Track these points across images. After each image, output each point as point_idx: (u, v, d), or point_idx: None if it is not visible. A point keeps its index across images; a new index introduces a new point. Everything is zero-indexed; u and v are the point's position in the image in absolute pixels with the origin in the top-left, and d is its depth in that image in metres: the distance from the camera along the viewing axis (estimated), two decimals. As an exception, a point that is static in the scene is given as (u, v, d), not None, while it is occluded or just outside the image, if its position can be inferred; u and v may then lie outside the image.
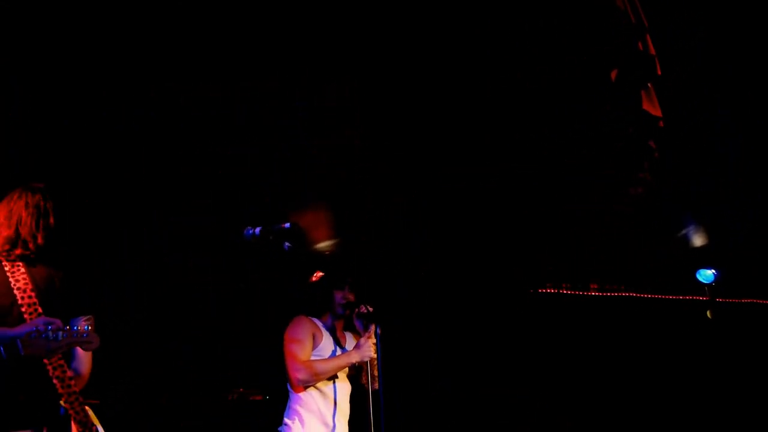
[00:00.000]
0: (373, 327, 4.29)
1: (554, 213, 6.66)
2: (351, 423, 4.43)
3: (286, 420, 4.30)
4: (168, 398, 5.58)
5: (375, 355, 4.14)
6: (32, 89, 4.98)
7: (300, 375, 4.19)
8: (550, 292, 7.25)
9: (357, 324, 4.45)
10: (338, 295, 4.46)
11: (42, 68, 4.92)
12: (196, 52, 5.09)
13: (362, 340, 4.23)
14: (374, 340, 4.16)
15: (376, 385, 4.14)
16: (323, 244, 5.54)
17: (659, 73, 4.26)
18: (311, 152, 5.91)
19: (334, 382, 4.34)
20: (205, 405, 5.64)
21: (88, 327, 3.22)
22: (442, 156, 6.10)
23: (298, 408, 4.28)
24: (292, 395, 4.34)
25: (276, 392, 5.32)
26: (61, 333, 3.14)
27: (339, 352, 4.38)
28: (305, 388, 4.25)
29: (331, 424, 4.28)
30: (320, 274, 4.51)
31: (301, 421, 4.23)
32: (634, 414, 6.88)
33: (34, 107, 5.02)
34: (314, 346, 4.32)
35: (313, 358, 4.28)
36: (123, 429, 4.02)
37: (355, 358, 4.21)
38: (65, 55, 4.93)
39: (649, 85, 4.31)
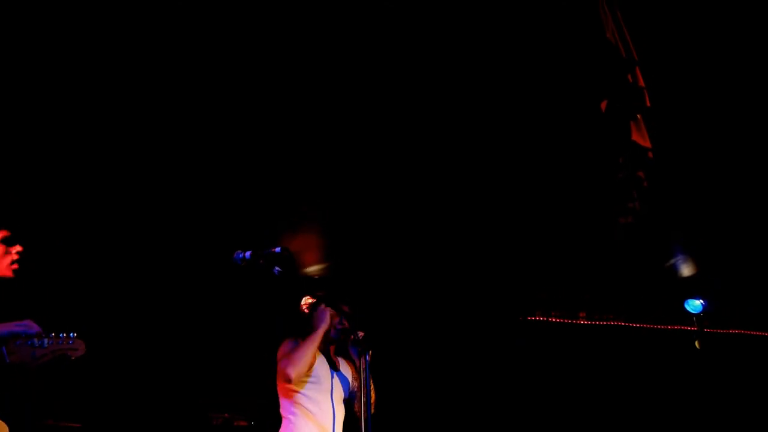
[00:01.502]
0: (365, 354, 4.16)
1: (545, 242, 6.65)
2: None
3: None
4: (153, 422, 5.51)
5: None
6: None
7: (289, 369, 4.09)
8: (540, 319, 7.27)
9: (352, 351, 4.42)
10: (334, 321, 4.39)
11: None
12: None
13: (321, 309, 4.24)
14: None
15: (366, 413, 4.01)
16: (313, 268, 5.52)
17: (648, 104, 4.29)
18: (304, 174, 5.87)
19: (332, 408, 4.26)
20: (190, 429, 5.58)
21: (73, 334, 3.20)
22: (433, 180, 6.08)
23: None
24: (286, 423, 4.23)
25: (262, 418, 5.32)
26: (46, 340, 3.12)
27: (335, 375, 4.31)
28: (297, 411, 4.15)
29: None
30: (310, 300, 4.47)
31: None
32: None
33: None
34: (310, 370, 4.23)
35: (310, 383, 4.20)
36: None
37: (319, 328, 4.19)
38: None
39: (638, 116, 4.34)
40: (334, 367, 4.37)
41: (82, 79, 4.76)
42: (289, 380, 4.11)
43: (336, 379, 4.32)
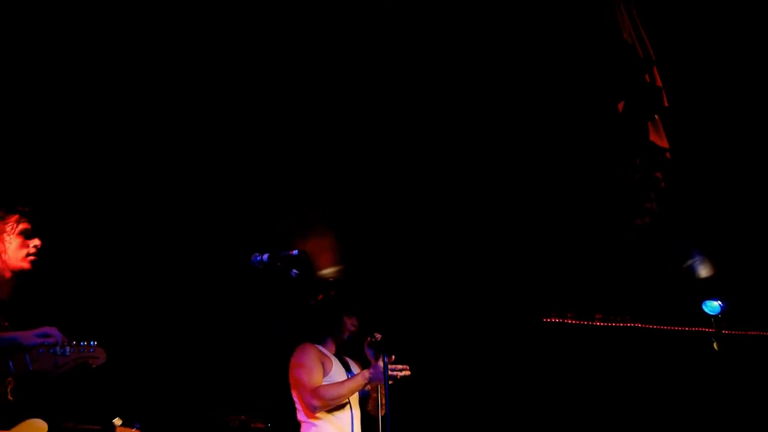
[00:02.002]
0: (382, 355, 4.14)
1: (560, 243, 6.64)
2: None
3: None
4: (170, 424, 5.46)
5: (390, 380, 3.98)
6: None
7: (315, 401, 4.09)
8: (555, 321, 7.24)
9: (368, 352, 4.39)
10: (348, 322, 4.44)
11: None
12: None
13: (378, 363, 4.11)
14: (393, 366, 4.09)
15: (383, 412, 4.13)
16: (329, 270, 5.53)
17: (666, 104, 4.27)
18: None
19: (350, 410, 4.27)
20: (207, 431, 5.55)
21: (94, 342, 3.27)
22: (448, 181, 6.10)
23: None
24: (305, 424, 4.23)
25: (278, 421, 5.28)
26: (68, 348, 3.19)
27: (349, 377, 4.31)
28: (318, 416, 4.15)
29: None
30: (321, 298, 4.48)
31: None
32: None
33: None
34: (324, 373, 4.22)
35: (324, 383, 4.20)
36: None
37: (365, 379, 4.13)
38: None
39: (656, 116, 4.32)
40: (347, 368, 4.38)
41: (98, 79, 4.79)
42: (313, 410, 4.12)
43: (349, 377, 4.33)
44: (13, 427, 3.33)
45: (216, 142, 5.51)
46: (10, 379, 3.27)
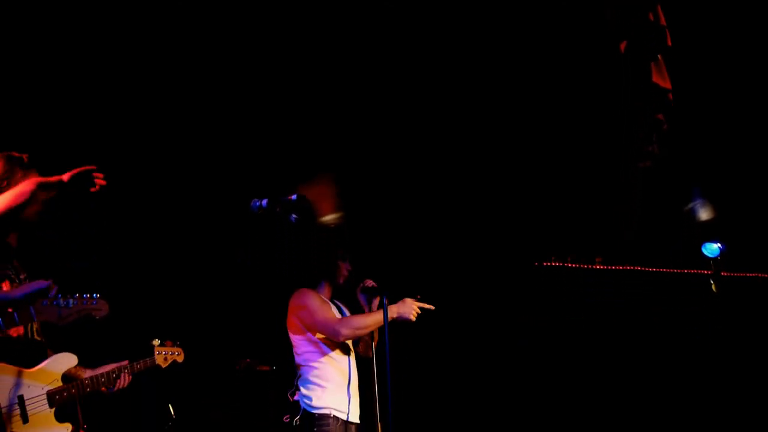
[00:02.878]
0: (377, 300, 4.43)
1: (560, 184, 6.64)
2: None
3: (303, 391, 4.30)
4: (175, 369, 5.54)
5: (415, 316, 4.20)
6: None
7: (343, 330, 4.19)
8: (555, 265, 7.22)
9: (361, 298, 4.51)
10: (342, 266, 4.53)
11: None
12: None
13: (406, 299, 4.25)
14: (415, 303, 4.23)
15: (371, 353, 4.29)
16: (329, 217, 5.51)
17: (669, 44, 4.19)
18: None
19: (348, 352, 4.40)
20: (212, 374, 5.70)
21: (96, 294, 3.37)
22: (448, 123, 6.12)
23: (315, 379, 4.29)
24: (306, 367, 4.34)
25: (283, 364, 5.31)
26: (71, 300, 3.30)
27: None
28: (319, 359, 4.27)
29: (347, 393, 4.34)
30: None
31: (322, 390, 4.26)
32: (637, 393, 6.88)
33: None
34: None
35: None
36: (125, 397, 4.14)
37: (394, 313, 4.19)
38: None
39: (659, 56, 4.24)
40: (339, 311, 4.50)
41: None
42: (338, 337, 4.22)
43: None
44: (41, 362, 3.56)
45: (213, 85, 5.56)
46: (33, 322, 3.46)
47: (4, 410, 3.32)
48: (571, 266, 7.25)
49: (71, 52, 5.09)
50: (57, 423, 3.55)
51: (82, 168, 3.46)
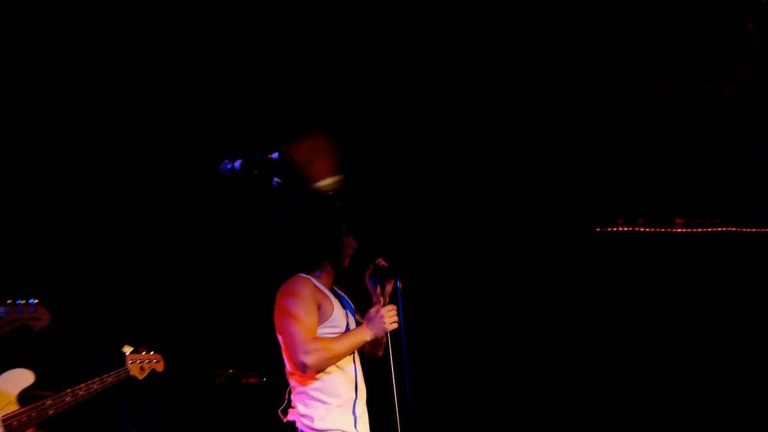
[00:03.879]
0: (390, 285, 3.79)
1: (628, 133, 6.02)
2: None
3: (301, 409, 3.70)
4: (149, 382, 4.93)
5: (395, 326, 3.70)
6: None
7: (306, 359, 3.59)
8: (623, 230, 6.68)
9: (369, 283, 3.86)
10: (348, 243, 3.93)
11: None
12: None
13: (372, 312, 3.71)
14: (389, 309, 3.71)
15: (380, 353, 3.88)
16: (324, 181, 4.71)
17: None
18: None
19: (353, 359, 3.86)
20: (188, 388, 5.13)
21: (33, 301, 3.17)
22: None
23: (315, 393, 3.71)
24: (302, 378, 3.78)
25: (274, 373, 4.73)
26: (2, 308, 3.12)
27: (348, 314, 3.89)
28: (317, 372, 3.70)
29: (354, 408, 3.78)
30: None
31: (326, 408, 3.70)
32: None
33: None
34: (323, 317, 3.76)
35: (333, 333, 3.73)
36: (99, 409, 4.08)
37: (368, 335, 3.69)
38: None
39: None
40: (341, 302, 3.98)
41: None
42: (300, 368, 3.64)
43: (350, 317, 3.94)
44: None
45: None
46: None
47: None
48: (644, 230, 6.70)
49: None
50: None
51: None
